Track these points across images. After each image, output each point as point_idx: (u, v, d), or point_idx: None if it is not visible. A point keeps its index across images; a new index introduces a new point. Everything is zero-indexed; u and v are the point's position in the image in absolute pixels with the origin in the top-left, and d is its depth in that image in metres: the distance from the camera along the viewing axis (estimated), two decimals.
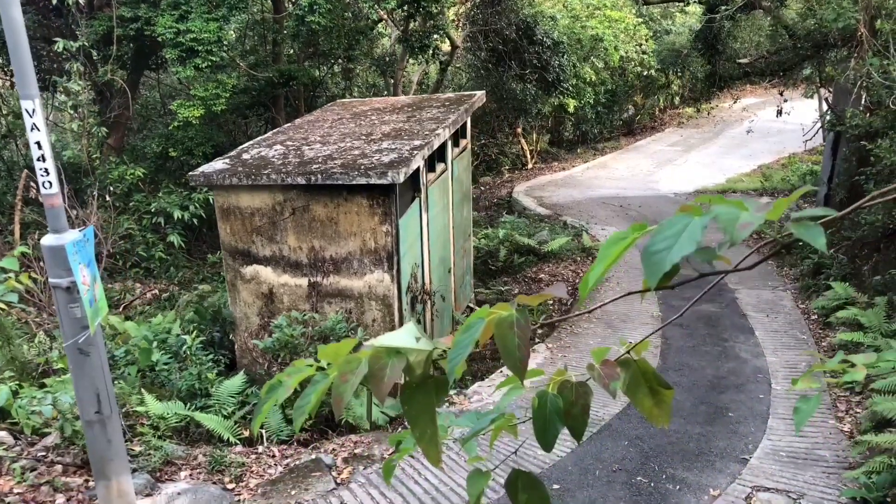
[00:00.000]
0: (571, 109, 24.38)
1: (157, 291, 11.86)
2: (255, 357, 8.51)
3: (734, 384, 7.91)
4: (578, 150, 28.49)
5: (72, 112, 12.48)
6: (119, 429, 4.63)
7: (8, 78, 15.06)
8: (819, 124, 14.33)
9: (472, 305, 11.37)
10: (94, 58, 13.04)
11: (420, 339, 1.40)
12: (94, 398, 4.42)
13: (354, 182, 7.58)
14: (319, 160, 8.11)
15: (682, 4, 20.31)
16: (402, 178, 7.52)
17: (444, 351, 1.42)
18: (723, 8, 14.01)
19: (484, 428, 1.61)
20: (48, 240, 4.13)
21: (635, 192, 21.10)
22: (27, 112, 3.91)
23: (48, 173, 4.03)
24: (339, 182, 7.64)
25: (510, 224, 14.63)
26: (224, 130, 15.01)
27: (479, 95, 10.89)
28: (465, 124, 10.65)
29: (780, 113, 16.13)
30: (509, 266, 12.98)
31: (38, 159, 3.99)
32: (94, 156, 13.75)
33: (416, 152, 8.06)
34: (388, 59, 18.99)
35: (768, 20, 16.31)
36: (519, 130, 25.09)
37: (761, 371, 8.22)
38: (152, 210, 12.46)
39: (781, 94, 16.18)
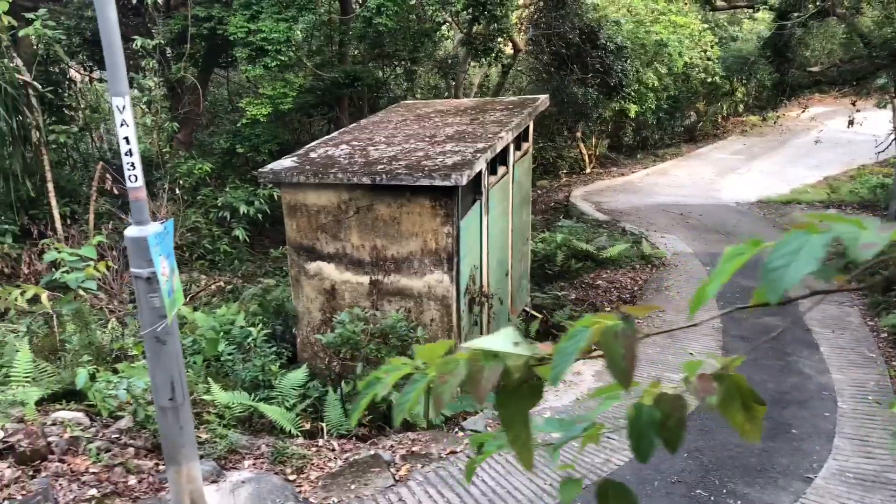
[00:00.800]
0: (632, 115, 24.08)
1: (221, 283, 12.17)
2: (315, 351, 8.67)
3: (797, 400, 7.71)
4: (638, 156, 28.14)
5: (144, 107, 12.89)
6: (190, 416, 4.78)
7: (87, 73, 15.69)
8: (893, 135, 13.83)
9: (528, 309, 11.35)
10: (168, 55, 13.47)
11: (518, 343, 1.43)
12: (169, 385, 4.58)
13: (418, 183, 7.66)
14: (384, 161, 8.22)
15: (750, 11, 19.83)
16: (465, 181, 7.57)
17: (542, 357, 1.45)
18: (795, 15, 13.66)
19: (575, 435, 1.63)
20: (131, 231, 4.29)
21: (696, 199, 20.73)
22: (118, 108, 4.08)
23: (134, 167, 4.21)
24: (403, 183, 7.73)
25: (568, 229, 14.55)
26: (289, 129, 15.33)
27: (543, 99, 10.88)
28: (527, 128, 10.65)
29: (851, 123, 15.63)
30: (566, 271, 12.91)
31: (126, 153, 4.16)
32: (164, 150, 14.20)
33: (479, 155, 8.10)
34: (450, 61, 19.09)
35: (842, 28, 15.84)
36: (578, 135, 24.92)
37: (826, 388, 8.00)
38: (219, 204, 12.80)
39: (854, 104, 15.68)
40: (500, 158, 9.54)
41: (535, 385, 1.49)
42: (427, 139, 9.04)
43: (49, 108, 13.45)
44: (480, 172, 8.48)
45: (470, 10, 13.49)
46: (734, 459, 6.26)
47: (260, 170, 8.41)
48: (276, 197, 13.44)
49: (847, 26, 14.56)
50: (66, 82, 14.86)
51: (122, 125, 4.11)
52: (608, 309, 11.50)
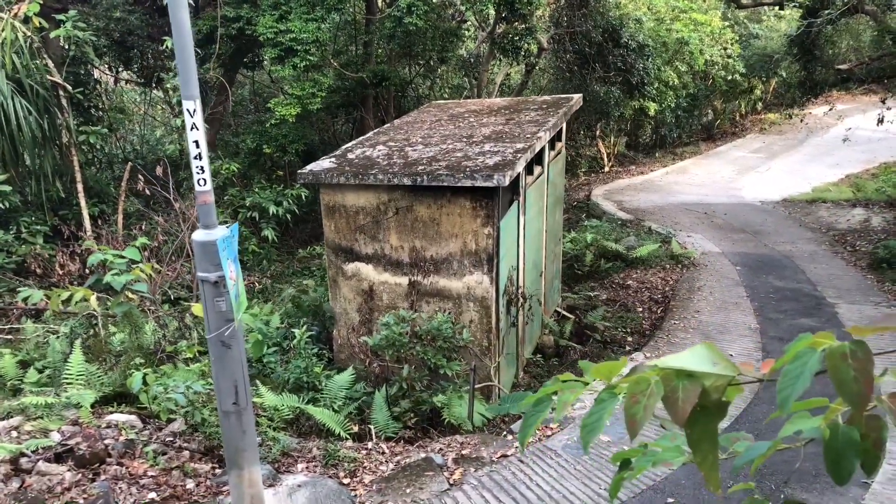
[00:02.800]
0: (652, 113, 24.00)
1: (249, 284, 12.17)
2: (353, 352, 8.65)
3: None
4: (656, 155, 28.03)
5: (177, 107, 12.87)
6: (252, 420, 4.76)
7: (112, 74, 15.72)
8: None
9: (559, 309, 11.29)
10: (197, 55, 13.48)
11: (718, 363, 1.39)
12: (233, 390, 4.56)
13: (459, 184, 7.62)
14: (424, 161, 8.19)
15: (776, 8, 19.68)
16: (507, 182, 7.52)
17: (733, 378, 1.41)
18: (825, 13, 13.53)
19: (766, 454, 1.59)
20: (199, 235, 4.26)
21: (718, 199, 20.62)
22: (188, 112, 4.06)
23: (203, 171, 4.18)
24: (445, 184, 7.69)
25: (595, 228, 14.49)
26: (315, 128, 15.30)
27: (577, 99, 10.82)
28: (561, 128, 10.60)
29: (881, 122, 15.49)
30: (595, 271, 12.85)
31: (196, 157, 4.14)
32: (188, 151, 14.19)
33: (519, 156, 8.05)
34: (472, 60, 19.03)
35: (870, 25, 15.69)
36: (597, 133, 24.84)
37: (875, 391, 7.90)
38: (247, 204, 12.80)
39: (884, 102, 15.53)
40: (536, 158, 9.50)
41: (723, 404, 1.46)
42: (464, 139, 9.00)
43: (77, 108, 13.48)
44: (519, 173, 8.44)
45: (499, 10, 13.41)
46: (788, 464, 6.19)
47: (300, 171, 8.38)
48: (303, 197, 13.45)
49: (877, 24, 14.40)
50: (92, 83, 14.91)
51: (192, 129, 4.08)
52: (640, 310, 11.44)
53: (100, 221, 12.84)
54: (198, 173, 4.20)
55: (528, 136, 8.84)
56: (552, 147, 10.25)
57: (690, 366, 1.40)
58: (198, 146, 4.14)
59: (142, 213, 13.17)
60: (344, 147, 9.27)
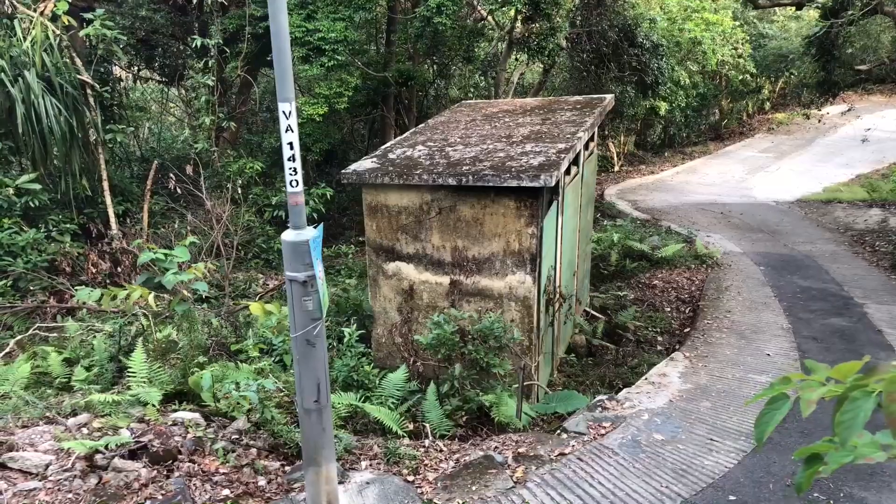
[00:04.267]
0: (663, 112, 24.10)
1: (277, 282, 12.21)
2: (393, 351, 8.70)
3: None
4: (666, 154, 28.14)
5: (204, 105, 12.87)
6: (331, 418, 4.81)
7: (133, 72, 15.71)
8: None
9: (588, 309, 11.35)
10: (223, 54, 13.48)
11: None
12: (315, 387, 4.61)
13: (505, 184, 7.66)
14: (467, 162, 8.23)
15: (793, 8, 19.78)
16: (553, 182, 7.57)
17: None
18: (849, 13, 13.61)
19: None
20: (289, 235, 4.31)
21: (731, 198, 20.73)
22: (284, 114, 4.10)
23: (296, 172, 4.23)
24: (490, 184, 7.73)
25: (620, 228, 14.56)
26: (337, 127, 15.33)
27: (609, 99, 10.87)
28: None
29: None
30: (621, 271, 12.92)
31: (289, 159, 4.18)
32: (212, 149, 14.22)
33: (563, 156, 8.11)
34: (489, 59, 19.08)
35: (889, 26, 15.79)
36: (606, 132, 24.93)
37: None
38: (273, 203, 12.82)
39: None
40: (573, 158, 9.55)
41: None
42: (504, 139, 9.05)
43: (101, 106, 13.48)
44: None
45: (525, 10, 13.46)
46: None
47: (343, 171, 8.42)
48: (327, 196, 13.48)
49: None
50: (112, 81, 14.89)
51: (286, 130, 4.12)
52: (668, 310, 11.51)
53: (128, 220, 12.86)
54: (290, 174, 4.24)
55: (568, 136, 8.89)
56: (586, 147, 10.31)
57: None
58: (291, 148, 4.18)
59: (165, 211, 13.19)
60: (384, 147, 9.31)
